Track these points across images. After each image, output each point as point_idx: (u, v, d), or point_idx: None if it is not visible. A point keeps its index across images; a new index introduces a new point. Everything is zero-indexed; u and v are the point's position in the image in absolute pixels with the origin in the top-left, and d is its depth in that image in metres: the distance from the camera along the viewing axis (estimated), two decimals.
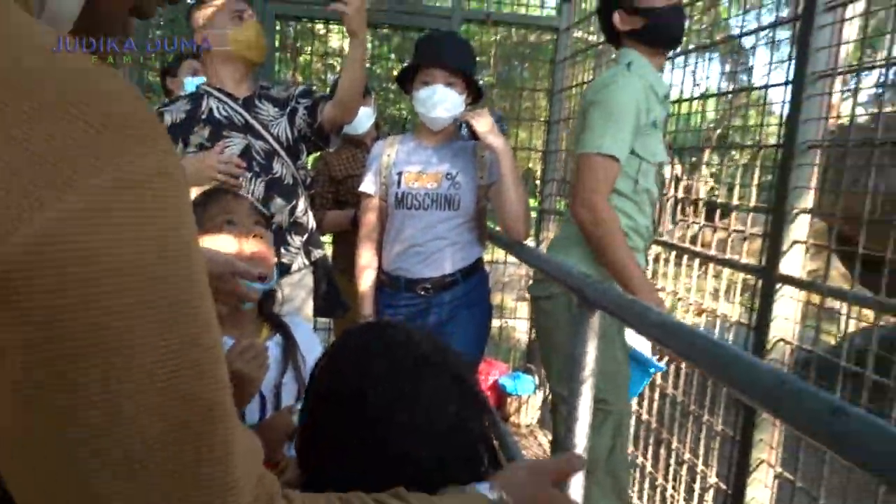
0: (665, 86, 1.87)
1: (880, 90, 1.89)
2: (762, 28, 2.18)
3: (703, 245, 2.43)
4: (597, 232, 1.69)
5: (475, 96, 2.10)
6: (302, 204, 2.10)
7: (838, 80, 1.79)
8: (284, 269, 2.03)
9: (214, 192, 1.34)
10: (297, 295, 2.13)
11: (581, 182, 1.70)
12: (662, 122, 1.85)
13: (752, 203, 2.12)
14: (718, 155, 2.55)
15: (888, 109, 2.09)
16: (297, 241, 2.08)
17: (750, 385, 0.86)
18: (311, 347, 1.35)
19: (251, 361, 1.03)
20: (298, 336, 1.34)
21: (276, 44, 4.13)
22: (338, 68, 8.44)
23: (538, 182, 3.83)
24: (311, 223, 2.17)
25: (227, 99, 2.04)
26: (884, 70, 1.86)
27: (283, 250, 2.03)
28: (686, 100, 2.52)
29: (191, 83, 2.78)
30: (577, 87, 3.42)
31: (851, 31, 1.82)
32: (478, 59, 2.24)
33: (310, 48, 5.65)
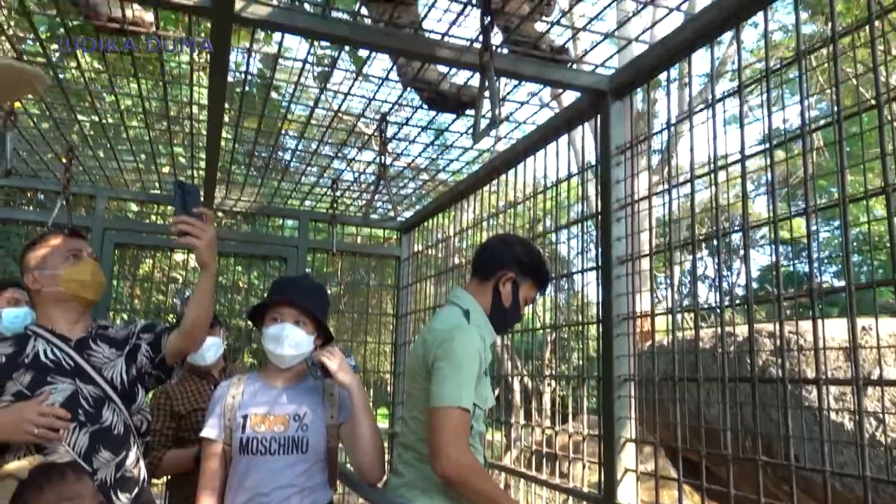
0: (493, 335, 2.04)
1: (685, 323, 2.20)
2: (569, 274, 2.54)
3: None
4: (467, 481, 1.72)
5: (325, 339, 2.15)
6: (133, 455, 1.93)
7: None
8: None
9: (49, 472, 1.20)
10: None
11: (441, 436, 1.73)
12: (490, 368, 1.99)
13: (586, 431, 2.30)
14: (551, 380, 2.78)
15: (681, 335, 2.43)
16: (123, 498, 1.88)
17: None
18: None
19: None
20: None
21: (115, 261, 4.02)
22: (180, 280, 8.24)
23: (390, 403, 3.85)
24: (143, 475, 1.98)
25: (58, 341, 1.92)
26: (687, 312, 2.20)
27: None
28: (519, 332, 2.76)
29: (11, 316, 2.57)
30: (420, 312, 3.62)
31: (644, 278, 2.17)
32: (326, 270, 2.31)
33: (150, 261, 5.53)
